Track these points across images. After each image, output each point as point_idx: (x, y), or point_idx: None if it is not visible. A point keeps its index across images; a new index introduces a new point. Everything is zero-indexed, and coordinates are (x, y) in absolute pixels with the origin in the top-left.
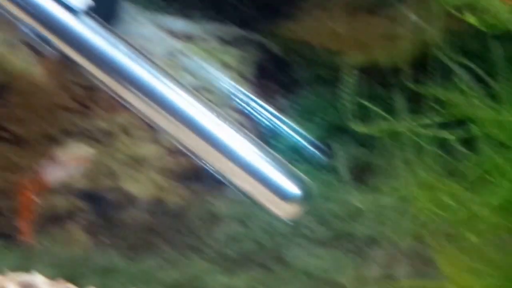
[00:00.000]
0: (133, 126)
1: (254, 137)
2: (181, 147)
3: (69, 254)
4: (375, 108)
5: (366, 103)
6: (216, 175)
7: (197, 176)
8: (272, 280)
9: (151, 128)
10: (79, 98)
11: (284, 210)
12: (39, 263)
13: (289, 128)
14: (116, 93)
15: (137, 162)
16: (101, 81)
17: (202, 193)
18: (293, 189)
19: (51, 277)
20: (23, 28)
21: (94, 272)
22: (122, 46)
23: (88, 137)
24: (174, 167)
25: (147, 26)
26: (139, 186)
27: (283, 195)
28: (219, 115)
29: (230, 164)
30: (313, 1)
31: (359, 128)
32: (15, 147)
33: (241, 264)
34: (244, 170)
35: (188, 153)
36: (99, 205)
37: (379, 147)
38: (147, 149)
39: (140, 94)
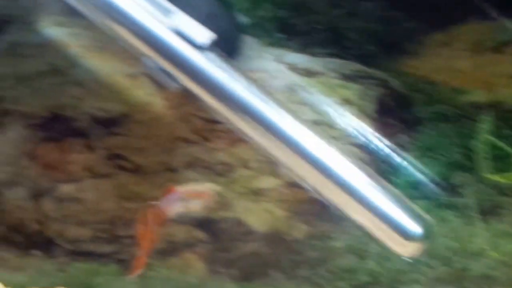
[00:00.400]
0: (252, 159)
1: (375, 173)
2: (300, 181)
3: (186, 282)
4: (508, 149)
5: (501, 144)
6: (335, 210)
7: (314, 209)
8: None
9: (269, 161)
10: (199, 130)
11: (404, 248)
12: None
13: (409, 165)
14: (236, 127)
15: (255, 194)
16: (222, 115)
17: (318, 226)
18: (414, 227)
19: None
20: (146, 61)
21: None
22: (244, 81)
23: (207, 168)
24: (291, 200)
25: (269, 61)
26: (257, 218)
27: (404, 233)
28: (339, 150)
29: (350, 200)
30: (436, 38)
31: (494, 177)
32: (135, 177)
33: None
34: (364, 206)
35: (308, 188)
36: (217, 235)
37: (503, 188)
38: (265, 182)
39: (260, 128)
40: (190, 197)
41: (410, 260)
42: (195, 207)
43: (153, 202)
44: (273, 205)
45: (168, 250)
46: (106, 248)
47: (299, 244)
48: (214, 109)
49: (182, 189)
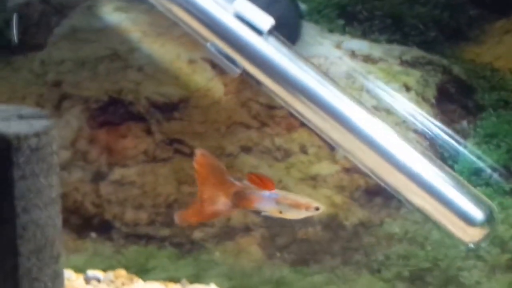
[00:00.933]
0: (310, 145)
1: (436, 159)
2: (361, 166)
3: (242, 266)
4: None
5: None
6: (395, 195)
7: (371, 195)
8: None
9: (327, 146)
10: (257, 115)
11: (467, 234)
12: (213, 273)
13: (470, 152)
14: (296, 111)
15: (312, 179)
16: (282, 99)
17: (376, 212)
18: (477, 213)
19: (224, 287)
20: (208, 46)
21: (265, 284)
22: (304, 66)
23: (265, 153)
24: (349, 186)
25: (328, 47)
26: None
27: (466, 218)
28: (400, 136)
29: (412, 185)
30: (499, 25)
31: None
32: (192, 161)
33: (413, 283)
34: (426, 192)
35: (368, 173)
36: (273, 220)
37: None
38: (323, 167)
39: (320, 112)
40: (288, 205)
41: (472, 246)
42: (289, 215)
43: (247, 187)
44: (330, 190)
45: (224, 234)
46: (163, 232)
47: (356, 230)
48: (273, 93)
49: (283, 193)
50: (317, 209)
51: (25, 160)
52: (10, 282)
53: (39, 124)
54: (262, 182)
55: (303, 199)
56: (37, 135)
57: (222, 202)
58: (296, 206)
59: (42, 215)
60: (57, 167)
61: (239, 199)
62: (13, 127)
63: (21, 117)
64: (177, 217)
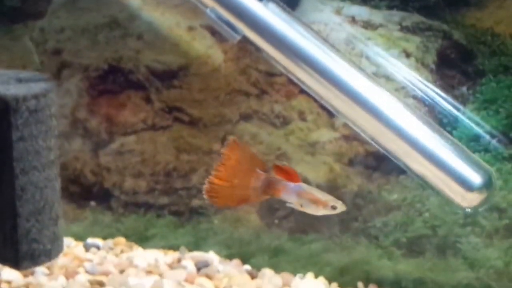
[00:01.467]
0: (309, 111)
1: (435, 124)
2: (361, 133)
3: (240, 234)
4: None
5: None
6: (394, 161)
7: (370, 162)
8: (442, 267)
9: (326, 113)
10: (257, 83)
11: (465, 199)
12: (212, 241)
13: (468, 118)
14: (296, 77)
15: (311, 146)
16: (282, 65)
17: (375, 179)
18: (476, 178)
19: (222, 255)
20: (209, 13)
21: (264, 252)
22: (304, 32)
23: (264, 120)
24: (348, 153)
25: (328, 13)
26: (313, 170)
27: (465, 184)
28: (400, 101)
29: (412, 152)
30: None
31: None
32: (192, 129)
33: (411, 250)
34: (424, 157)
35: (368, 139)
36: None
37: None
38: (322, 134)
39: (320, 79)
40: (307, 199)
41: (470, 211)
42: (308, 210)
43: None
44: (329, 157)
45: None
46: (162, 200)
47: (354, 197)
48: (273, 60)
49: (306, 188)
50: (333, 208)
51: (23, 122)
52: (9, 243)
53: (37, 87)
54: (288, 174)
55: (323, 196)
56: (35, 97)
57: (252, 188)
58: (315, 202)
59: (41, 177)
60: (55, 129)
61: (268, 186)
62: (12, 90)
63: (20, 80)
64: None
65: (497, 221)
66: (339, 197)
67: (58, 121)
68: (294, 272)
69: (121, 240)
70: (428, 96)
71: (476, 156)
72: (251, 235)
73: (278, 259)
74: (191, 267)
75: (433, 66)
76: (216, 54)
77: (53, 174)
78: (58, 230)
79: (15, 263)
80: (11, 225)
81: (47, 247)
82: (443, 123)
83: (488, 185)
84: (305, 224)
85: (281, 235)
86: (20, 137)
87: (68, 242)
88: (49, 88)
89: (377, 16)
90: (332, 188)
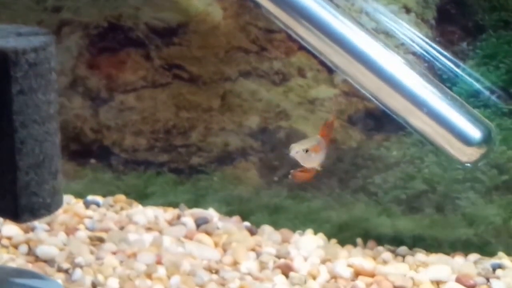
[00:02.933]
0: (309, 68)
1: (435, 80)
2: (361, 89)
3: (240, 192)
4: None
5: None
6: (395, 117)
7: (370, 118)
8: (441, 224)
9: (326, 69)
10: (256, 39)
11: (465, 154)
12: (211, 199)
13: (468, 74)
14: (296, 33)
15: (311, 103)
16: (282, 21)
17: (374, 135)
18: (475, 133)
19: (222, 213)
20: None
21: (263, 209)
22: None
23: (264, 77)
24: (348, 109)
25: None
26: (312, 127)
27: (465, 138)
28: (399, 57)
29: (412, 107)
30: None
31: None
32: (192, 86)
33: (410, 207)
34: (425, 113)
35: (368, 95)
36: (272, 145)
37: None
38: (322, 91)
39: (321, 35)
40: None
41: (469, 166)
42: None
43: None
44: (329, 114)
45: (222, 159)
46: (161, 157)
47: (354, 154)
48: (273, 15)
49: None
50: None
51: (23, 75)
52: (9, 196)
53: (37, 40)
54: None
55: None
56: (35, 50)
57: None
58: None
59: (40, 130)
60: (55, 83)
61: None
62: (11, 43)
63: (19, 34)
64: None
65: (497, 177)
66: (339, 154)
67: (58, 79)
68: (294, 229)
69: (121, 197)
70: (428, 52)
71: (475, 112)
72: (250, 192)
73: (277, 216)
74: (191, 224)
75: (433, 21)
76: (215, 11)
77: (53, 128)
78: (57, 184)
79: (15, 216)
80: (10, 178)
81: (46, 200)
82: (443, 79)
83: (487, 139)
84: (304, 182)
85: (281, 193)
86: (19, 90)
87: (68, 199)
88: (49, 41)
89: None
90: (332, 145)
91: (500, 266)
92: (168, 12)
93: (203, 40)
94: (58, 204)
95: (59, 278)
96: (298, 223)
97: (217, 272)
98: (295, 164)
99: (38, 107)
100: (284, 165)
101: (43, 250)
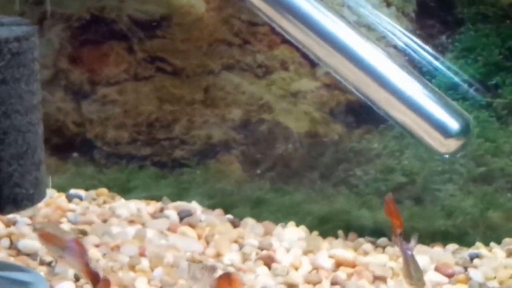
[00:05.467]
0: (291, 61)
1: (414, 72)
2: (343, 81)
3: (222, 185)
4: None
5: None
6: (376, 109)
7: (352, 110)
8: (420, 215)
9: (308, 63)
10: (239, 32)
11: (443, 145)
12: (194, 192)
13: (447, 67)
14: (279, 26)
15: (293, 96)
16: (265, 14)
17: (355, 128)
18: (454, 124)
19: (205, 206)
20: None
21: (246, 202)
22: None
23: (247, 70)
24: (329, 102)
25: None
26: (294, 120)
27: (443, 130)
28: (380, 50)
29: (391, 98)
30: None
31: None
32: (175, 79)
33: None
34: (404, 104)
35: (350, 87)
36: (254, 137)
37: None
38: (304, 84)
39: (303, 27)
40: None
41: (448, 157)
42: None
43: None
44: (310, 107)
45: (205, 152)
46: (144, 151)
47: (336, 146)
48: (256, 8)
49: None
50: None
51: (5, 64)
52: None
53: (20, 30)
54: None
55: None
56: (17, 39)
57: None
58: None
59: (23, 121)
60: (38, 73)
61: None
62: None
63: (1, 24)
64: None
65: (474, 169)
66: (320, 146)
67: (40, 71)
68: (276, 222)
69: (104, 191)
70: (408, 45)
71: (454, 103)
72: (233, 186)
73: (260, 209)
74: (174, 217)
75: (413, 15)
76: (198, 4)
77: (36, 118)
78: (40, 175)
79: None
80: None
81: (29, 191)
82: (423, 72)
83: (465, 131)
84: (286, 173)
85: (263, 186)
86: (2, 80)
87: (51, 193)
88: (32, 32)
89: None
90: (313, 138)
91: (477, 256)
92: (151, 4)
93: (186, 33)
94: (41, 195)
95: (42, 271)
96: (281, 216)
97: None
98: (277, 155)
99: (21, 97)
100: (266, 157)
101: (25, 243)
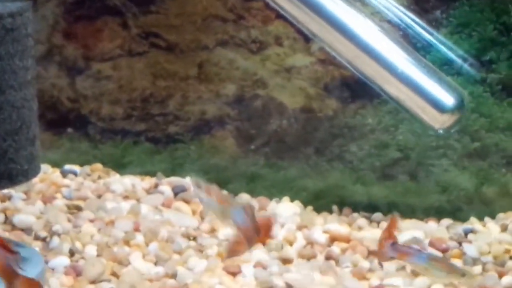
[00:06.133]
0: (285, 36)
1: (409, 48)
2: (337, 56)
3: (217, 160)
4: None
5: None
6: (370, 84)
7: (346, 86)
8: (414, 191)
9: (303, 38)
10: (233, 8)
11: (437, 120)
12: (189, 167)
13: (441, 42)
14: (273, 1)
15: (287, 71)
16: None
17: (350, 103)
18: (448, 99)
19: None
20: None
21: (240, 178)
22: None
23: (241, 46)
24: (324, 77)
25: None
26: (289, 95)
27: (438, 105)
28: (375, 25)
29: (385, 73)
30: None
31: None
32: (169, 55)
33: (385, 174)
34: (400, 81)
35: (345, 63)
36: (249, 113)
37: None
38: (298, 59)
39: (297, 2)
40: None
41: (442, 132)
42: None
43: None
44: (305, 82)
45: (199, 127)
46: (138, 126)
47: (330, 121)
48: None
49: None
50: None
51: (0, 40)
52: None
53: (14, 6)
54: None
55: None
56: (11, 15)
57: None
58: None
59: (18, 96)
60: (32, 49)
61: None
62: None
63: None
64: None
65: (469, 144)
66: (314, 122)
67: (34, 47)
68: (271, 197)
69: (98, 166)
70: (402, 21)
71: (449, 79)
72: (228, 161)
73: (254, 185)
74: (168, 192)
75: None
76: None
77: (30, 94)
78: (35, 151)
79: None
80: None
81: (24, 167)
82: (417, 47)
83: (460, 106)
84: (281, 148)
85: (258, 161)
86: None
87: (45, 168)
88: (26, 7)
89: None
90: (308, 113)
91: (472, 231)
92: None
93: (180, 8)
94: (35, 170)
95: (37, 246)
96: (275, 191)
97: (195, 239)
98: (272, 131)
99: (15, 73)
100: (260, 132)
101: (20, 218)
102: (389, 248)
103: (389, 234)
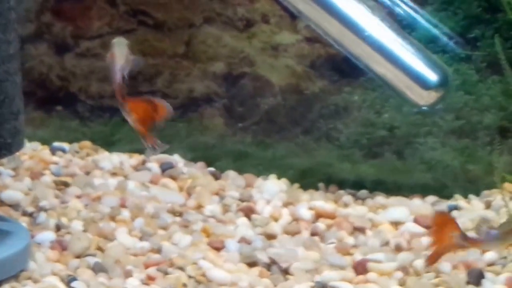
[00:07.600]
0: (272, 14)
1: (394, 25)
2: (322, 34)
3: (205, 138)
4: None
5: None
6: (356, 62)
7: (332, 64)
8: (400, 168)
9: (289, 16)
10: None
11: (422, 97)
12: (177, 145)
13: (427, 20)
14: None
15: (274, 49)
16: None
17: (336, 81)
18: (432, 76)
19: (187, 159)
20: None
21: (228, 155)
22: None
23: (228, 24)
24: (310, 55)
25: None
26: (276, 73)
27: (422, 82)
28: (361, 3)
29: (371, 51)
30: None
31: None
32: (157, 32)
33: (371, 152)
34: (383, 57)
35: (330, 40)
36: (236, 91)
37: None
38: (285, 37)
39: None
40: None
41: (426, 109)
42: None
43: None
44: (291, 60)
45: (188, 105)
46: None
47: (317, 99)
48: None
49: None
50: None
51: None
52: None
53: None
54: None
55: None
56: None
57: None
58: None
59: (0, 70)
60: (14, 23)
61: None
62: None
63: None
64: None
65: (454, 121)
66: (301, 99)
67: (23, 26)
68: (258, 175)
69: (87, 143)
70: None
71: (434, 56)
72: (215, 139)
73: (242, 162)
74: (156, 169)
75: None
76: None
77: (13, 68)
78: (19, 125)
79: None
80: None
81: (7, 140)
82: (402, 25)
83: (444, 83)
84: (268, 126)
85: (245, 139)
86: None
87: (34, 146)
88: None
89: None
90: (294, 91)
91: (456, 208)
92: None
93: None
94: (19, 144)
95: (24, 221)
96: (262, 169)
97: (180, 215)
98: (259, 108)
99: None
100: (248, 110)
101: (8, 194)
102: (458, 239)
103: (452, 225)
